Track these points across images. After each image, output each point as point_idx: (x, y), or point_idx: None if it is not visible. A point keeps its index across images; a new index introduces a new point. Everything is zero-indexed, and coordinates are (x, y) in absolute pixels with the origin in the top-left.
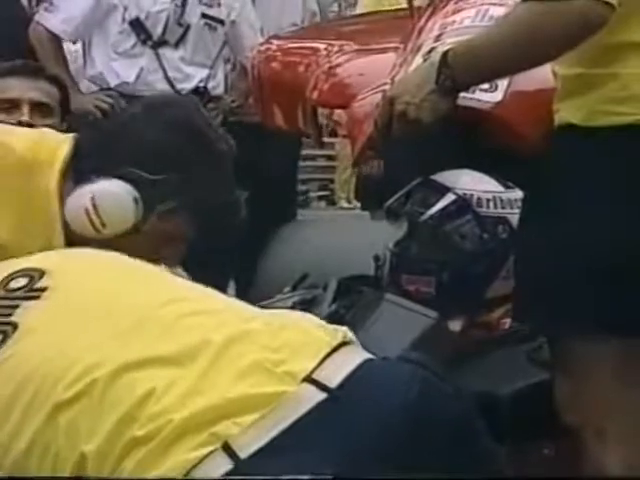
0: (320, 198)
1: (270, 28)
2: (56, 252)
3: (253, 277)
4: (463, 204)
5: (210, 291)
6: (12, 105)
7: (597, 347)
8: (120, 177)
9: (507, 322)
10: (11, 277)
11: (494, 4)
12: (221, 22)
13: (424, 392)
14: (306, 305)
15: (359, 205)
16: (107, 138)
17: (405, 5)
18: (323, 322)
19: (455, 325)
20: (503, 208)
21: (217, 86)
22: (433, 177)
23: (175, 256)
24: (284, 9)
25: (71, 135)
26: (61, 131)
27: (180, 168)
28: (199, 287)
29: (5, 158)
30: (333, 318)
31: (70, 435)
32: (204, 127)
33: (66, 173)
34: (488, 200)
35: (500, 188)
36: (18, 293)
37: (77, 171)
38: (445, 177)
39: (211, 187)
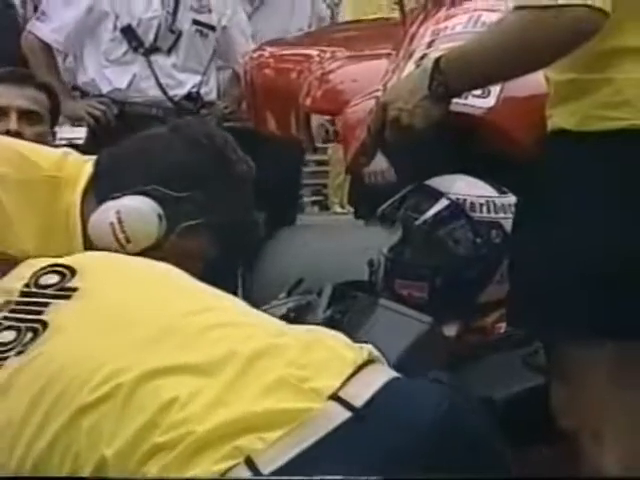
0: (313, 203)
1: (277, 33)
2: (89, 254)
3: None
4: (457, 209)
5: (240, 302)
6: (0, 113)
7: (592, 351)
8: (144, 194)
9: (502, 327)
10: (42, 272)
11: (486, 10)
12: (212, 28)
13: (452, 413)
14: (301, 311)
15: (352, 210)
16: (130, 157)
17: (387, 15)
18: (349, 341)
19: (450, 330)
20: (497, 213)
21: (210, 92)
22: (427, 182)
23: (191, 274)
24: (293, 13)
25: (94, 156)
26: (50, 139)
27: (203, 187)
28: (228, 297)
29: (31, 174)
30: (328, 324)
31: (92, 437)
32: (225, 148)
33: (89, 191)
34: (482, 205)
35: (494, 193)
36: (49, 291)
37: (100, 190)
38: (439, 182)
39: (231, 207)
